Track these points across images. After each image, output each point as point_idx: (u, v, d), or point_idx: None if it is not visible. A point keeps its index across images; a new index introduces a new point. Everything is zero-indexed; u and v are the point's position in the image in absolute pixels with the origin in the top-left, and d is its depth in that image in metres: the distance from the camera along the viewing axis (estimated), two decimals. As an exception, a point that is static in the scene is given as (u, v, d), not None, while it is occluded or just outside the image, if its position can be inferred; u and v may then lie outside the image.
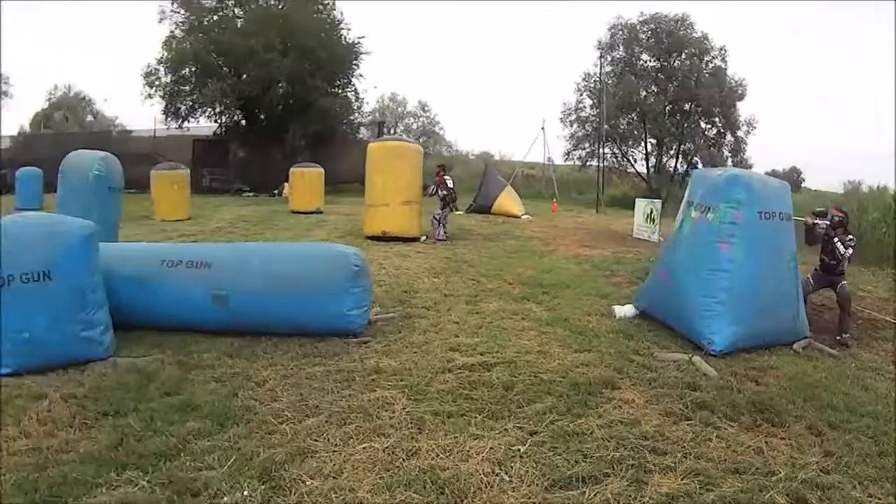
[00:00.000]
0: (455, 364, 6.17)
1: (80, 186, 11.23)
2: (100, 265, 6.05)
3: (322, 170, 23.21)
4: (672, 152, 41.74)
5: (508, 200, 22.89)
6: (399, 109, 65.16)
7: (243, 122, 38.56)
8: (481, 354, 6.48)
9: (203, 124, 38.51)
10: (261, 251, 7.33)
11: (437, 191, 15.85)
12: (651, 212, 17.68)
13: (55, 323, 5.58)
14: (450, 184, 15.85)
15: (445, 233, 15.34)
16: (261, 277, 6.62)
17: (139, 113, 76.02)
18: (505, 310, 8.41)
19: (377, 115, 55.29)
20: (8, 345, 5.44)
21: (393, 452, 4.43)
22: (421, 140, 66.29)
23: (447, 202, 15.65)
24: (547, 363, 6.32)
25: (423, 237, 14.97)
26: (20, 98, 74.67)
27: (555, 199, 27.71)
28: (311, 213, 21.31)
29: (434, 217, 15.40)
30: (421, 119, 67.57)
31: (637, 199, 20.22)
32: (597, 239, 16.61)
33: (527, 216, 22.02)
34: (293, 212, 21.56)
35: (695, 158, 40.22)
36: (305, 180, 22.46)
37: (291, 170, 23.15)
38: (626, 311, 8.39)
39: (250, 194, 32.57)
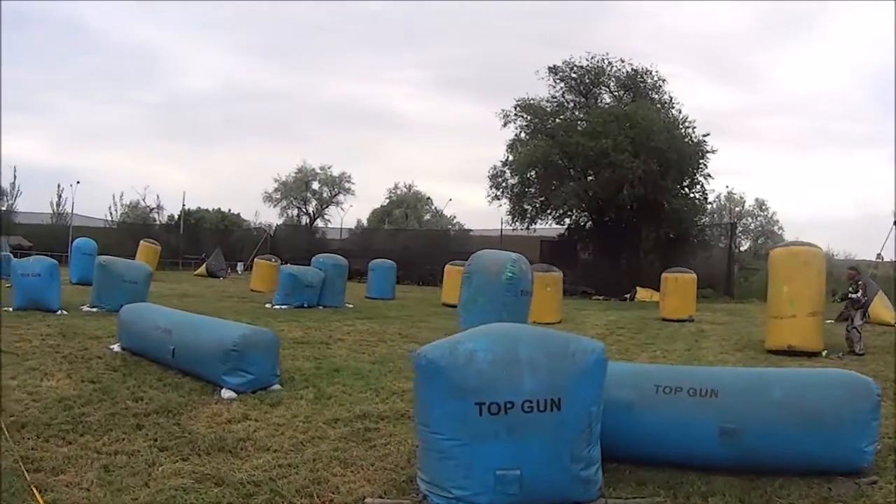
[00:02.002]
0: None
1: (489, 287, 10.68)
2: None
3: (695, 275, 21.78)
4: None
5: (881, 306, 19.76)
6: (737, 209, 62.10)
7: (589, 223, 38.34)
8: None
9: (546, 225, 39.10)
10: (776, 378, 6.26)
11: (860, 297, 13.91)
12: None
13: (555, 460, 4.57)
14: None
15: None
16: (777, 408, 5.65)
17: (483, 213, 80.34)
18: None
19: (716, 216, 53.05)
20: (488, 480, 4.47)
21: None
22: (759, 241, 63.14)
23: (865, 309, 13.90)
24: None
25: (825, 351, 13.19)
26: (361, 195, 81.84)
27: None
28: (684, 321, 19.77)
29: (856, 328, 13.54)
30: (759, 218, 64.09)
31: None
32: None
33: (899, 322, 18.96)
34: (664, 319, 20.22)
35: None
36: (678, 286, 21.07)
37: (663, 275, 21.87)
38: None
39: (599, 298, 31.66)
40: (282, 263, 26.42)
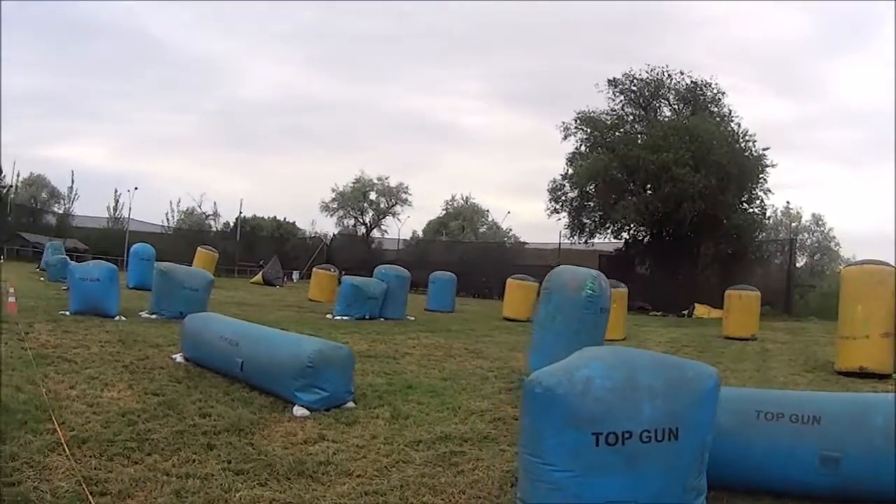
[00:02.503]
0: None
1: (567, 304, 10.29)
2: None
3: (758, 293, 21.40)
4: None
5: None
6: (793, 224, 60.80)
7: (647, 238, 38.09)
8: None
9: (603, 240, 39.16)
10: (876, 403, 6.00)
11: None
12: None
13: (668, 491, 4.37)
14: None
15: None
16: (879, 435, 5.39)
17: (539, 226, 80.00)
18: None
19: (772, 231, 51.99)
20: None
21: None
22: (815, 258, 61.77)
23: None
24: None
25: None
26: (418, 206, 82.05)
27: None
28: (747, 339, 19.34)
29: None
30: (815, 234, 62.74)
31: None
32: None
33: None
34: (727, 337, 19.80)
35: None
36: (742, 303, 20.67)
37: (727, 292, 21.48)
38: None
39: (657, 313, 31.12)
40: (342, 273, 26.27)
